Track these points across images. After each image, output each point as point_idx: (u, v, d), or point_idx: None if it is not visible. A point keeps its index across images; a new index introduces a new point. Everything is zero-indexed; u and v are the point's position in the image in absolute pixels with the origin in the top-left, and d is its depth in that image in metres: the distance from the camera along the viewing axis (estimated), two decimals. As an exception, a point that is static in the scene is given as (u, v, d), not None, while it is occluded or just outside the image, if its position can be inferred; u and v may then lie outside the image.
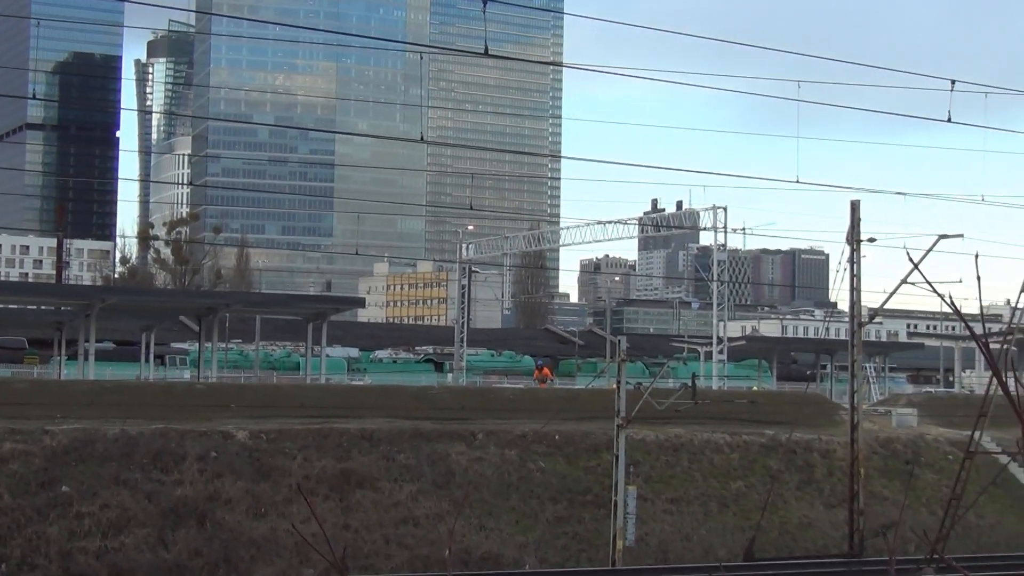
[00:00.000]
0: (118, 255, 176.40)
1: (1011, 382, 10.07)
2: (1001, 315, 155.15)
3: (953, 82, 34.32)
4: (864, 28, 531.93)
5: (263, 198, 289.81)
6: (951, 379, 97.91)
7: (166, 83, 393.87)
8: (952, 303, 4.44)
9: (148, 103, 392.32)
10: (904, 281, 39.32)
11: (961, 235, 43.31)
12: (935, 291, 4.51)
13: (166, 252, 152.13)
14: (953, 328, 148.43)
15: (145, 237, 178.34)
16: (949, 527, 40.02)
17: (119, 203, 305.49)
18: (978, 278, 5.58)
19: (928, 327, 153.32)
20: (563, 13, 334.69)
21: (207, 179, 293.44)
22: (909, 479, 52.10)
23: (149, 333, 73.78)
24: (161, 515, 41.58)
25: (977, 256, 6.24)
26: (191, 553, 40.58)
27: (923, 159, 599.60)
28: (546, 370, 78.84)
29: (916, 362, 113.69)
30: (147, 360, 72.95)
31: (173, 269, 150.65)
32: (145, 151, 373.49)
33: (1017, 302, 40.02)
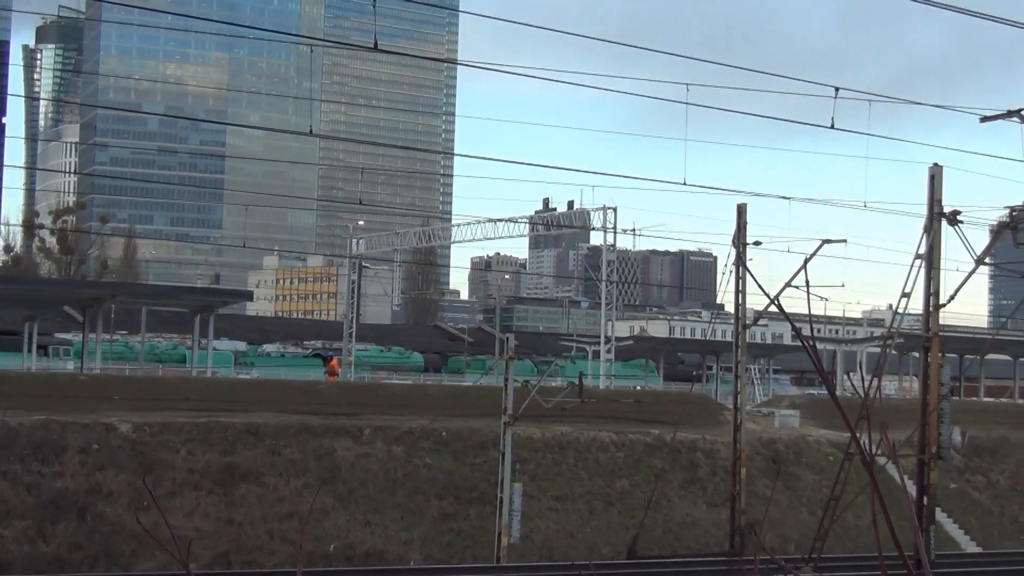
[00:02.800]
0: (1, 243, 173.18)
1: (845, 384, 10.37)
2: (883, 319, 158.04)
3: (837, 89, 34.89)
4: (752, 34, 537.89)
5: (152, 188, 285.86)
6: (833, 382, 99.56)
7: (55, 70, 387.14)
8: (779, 304, 4.52)
9: (36, 89, 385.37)
10: (788, 284, 39.90)
11: (845, 240, 44.12)
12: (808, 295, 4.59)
13: (51, 241, 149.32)
14: (836, 331, 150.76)
15: (30, 225, 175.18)
16: (828, 526, 40.73)
17: (4, 190, 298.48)
18: (807, 261, 5.68)
19: (812, 330, 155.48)
20: (458, 11, 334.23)
21: (95, 168, 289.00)
22: (776, 476, 52.94)
23: (32, 323, 72.71)
24: (41, 507, 41.04)
25: (822, 245, 6.33)
26: (71, 546, 40.10)
27: (808, 165, 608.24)
28: (334, 362, 78.62)
29: (800, 364, 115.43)
30: (30, 350, 71.91)
31: (58, 258, 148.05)
32: (32, 138, 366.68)
33: (897, 307, 40.86)
